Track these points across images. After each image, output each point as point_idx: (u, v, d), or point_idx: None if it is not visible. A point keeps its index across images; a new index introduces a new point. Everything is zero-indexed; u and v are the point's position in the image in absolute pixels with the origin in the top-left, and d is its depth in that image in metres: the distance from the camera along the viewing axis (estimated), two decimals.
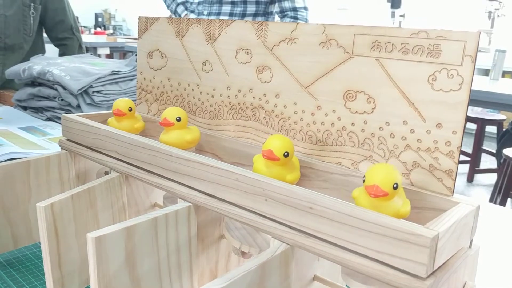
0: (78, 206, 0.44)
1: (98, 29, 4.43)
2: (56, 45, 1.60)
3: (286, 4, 1.84)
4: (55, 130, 1.00)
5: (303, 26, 0.43)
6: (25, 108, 1.15)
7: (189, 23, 0.52)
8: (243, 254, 0.44)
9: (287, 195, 0.34)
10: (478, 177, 3.36)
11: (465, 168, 3.30)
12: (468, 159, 3.25)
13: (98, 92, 1.06)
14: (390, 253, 0.29)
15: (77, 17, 1.69)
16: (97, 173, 0.56)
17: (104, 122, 0.55)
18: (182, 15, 2.01)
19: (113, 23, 4.81)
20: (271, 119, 0.46)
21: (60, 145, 0.54)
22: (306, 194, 0.33)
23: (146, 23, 0.57)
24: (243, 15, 1.83)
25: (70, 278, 0.44)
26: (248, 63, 0.47)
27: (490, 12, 4.05)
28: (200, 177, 0.40)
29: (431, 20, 4.38)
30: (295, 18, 1.85)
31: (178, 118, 0.47)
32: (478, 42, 0.34)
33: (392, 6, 3.69)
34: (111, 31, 4.59)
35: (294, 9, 1.84)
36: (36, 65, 1.10)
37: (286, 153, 0.39)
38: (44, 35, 1.57)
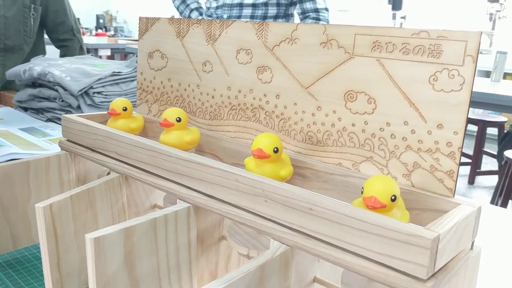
0: (77, 206, 0.44)
1: (99, 31, 4.44)
2: (57, 47, 1.60)
3: (308, 6, 1.84)
4: (55, 131, 1.00)
5: (303, 26, 0.43)
6: (25, 109, 1.15)
7: (190, 24, 0.52)
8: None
9: (286, 196, 0.34)
10: (479, 179, 3.35)
11: (466, 170, 3.29)
12: (469, 161, 3.24)
13: (98, 93, 1.06)
14: (390, 254, 0.29)
15: (78, 19, 1.69)
16: (98, 175, 0.55)
17: (104, 122, 0.54)
18: None
19: (114, 24, 4.82)
20: (271, 119, 0.46)
21: (60, 146, 0.54)
22: (305, 195, 0.33)
23: (146, 24, 0.57)
24: (264, 17, 1.83)
25: (69, 279, 0.44)
26: (248, 64, 0.47)
27: (491, 14, 4.05)
28: (199, 177, 0.40)
29: (432, 22, 4.38)
30: (317, 19, 1.85)
31: (178, 119, 0.46)
32: (480, 42, 0.33)
33: (393, 8, 3.69)
34: (112, 32, 4.59)
35: (316, 10, 1.84)
36: (36, 66, 1.10)
37: (275, 149, 0.39)
38: (45, 36, 1.58)
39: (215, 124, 0.51)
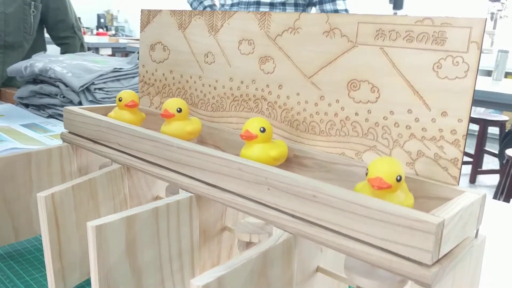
0: (79, 197, 0.43)
1: (100, 30, 4.43)
2: (57, 44, 1.60)
3: (328, 7, 1.84)
4: (56, 127, 1.00)
5: (306, 16, 0.43)
6: (26, 106, 1.15)
7: (192, 15, 0.52)
8: (249, 245, 0.43)
9: (290, 184, 0.33)
10: (481, 178, 3.35)
11: (467, 169, 3.29)
12: (471, 160, 3.24)
13: (99, 89, 1.06)
14: (394, 240, 0.29)
15: (79, 18, 1.69)
16: (100, 167, 0.55)
17: (106, 115, 0.54)
18: None
19: (115, 24, 4.82)
20: (274, 110, 0.46)
21: (62, 138, 0.54)
22: (309, 182, 0.33)
23: (148, 16, 0.57)
24: None
25: (70, 270, 0.44)
26: (250, 54, 0.47)
27: (492, 13, 4.04)
28: (202, 167, 0.40)
29: None
30: None
31: (178, 109, 0.46)
32: (484, 28, 0.33)
33: (394, 7, 3.68)
34: (113, 32, 4.59)
35: (336, 12, 1.85)
36: (38, 62, 1.10)
37: (262, 129, 0.40)
38: (46, 35, 1.57)
39: (217, 116, 0.51)
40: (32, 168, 0.50)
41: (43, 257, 0.46)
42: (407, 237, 0.28)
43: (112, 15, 4.79)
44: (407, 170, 0.38)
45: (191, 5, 2.07)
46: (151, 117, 0.56)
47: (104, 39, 4.00)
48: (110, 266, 0.36)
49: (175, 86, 0.55)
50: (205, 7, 2.01)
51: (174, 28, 0.54)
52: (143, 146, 0.44)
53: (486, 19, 0.33)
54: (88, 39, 3.73)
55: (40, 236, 0.54)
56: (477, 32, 0.33)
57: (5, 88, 1.36)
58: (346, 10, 1.88)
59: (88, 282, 0.45)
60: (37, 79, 1.11)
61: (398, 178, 0.31)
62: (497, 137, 3.41)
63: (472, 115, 3.19)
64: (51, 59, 1.13)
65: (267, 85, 0.46)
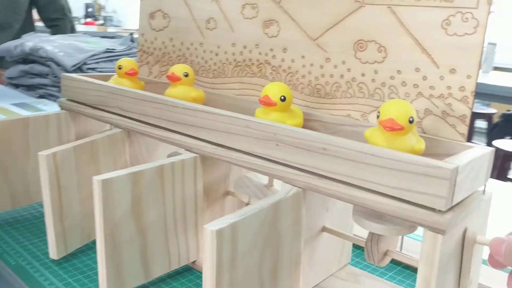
0: (81, 158, 0.43)
1: (89, 20, 4.37)
2: (48, 26, 1.57)
3: None
4: (48, 107, 0.98)
5: None
6: (16, 86, 1.13)
7: None
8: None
9: (299, 138, 0.33)
10: None
11: None
12: None
13: (92, 69, 1.04)
14: (408, 188, 0.28)
15: None
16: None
17: None
18: None
19: (103, 14, 4.75)
20: (278, 74, 0.45)
21: (60, 105, 0.53)
22: (319, 135, 0.32)
23: None
24: None
25: (72, 233, 0.43)
26: (254, 18, 0.47)
27: None
28: (208, 127, 0.39)
29: None
30: None
31: (185, 74, 0.46)
32: None
33: None
34: (101, 21, 4.53)
35: None
36: (28, 41, 1.08)
37: (282, 97, 0.38)
38: (36, 17, 1.55)
39: (219, 82, 0.50)
40: (29, 134, 0.49)
41: (42, 225, 0.46)
42: (421, 184, 0.28)
43: (100, 5, 4.73)
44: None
45: None
46: (150, 85, 0.56)
47: (93, 28, 3.94)
48: (116, 222, 0.35)
49: (175, 54, 0.54)
50: None
51: None
52: (145, 109, 0.44)
53: None
54: (76, 28, 3.67)
55: (38, 204, 0.53)
56: None
57: None
58: None
59: (89, 247, 0.45)
60: (27, 59, 1.09)
61: (411, 119, 0.31)
62: (484, 132, 3.44)
63: None
64: (42, 38, 1.12)
65: (271, 49, 0.46)
